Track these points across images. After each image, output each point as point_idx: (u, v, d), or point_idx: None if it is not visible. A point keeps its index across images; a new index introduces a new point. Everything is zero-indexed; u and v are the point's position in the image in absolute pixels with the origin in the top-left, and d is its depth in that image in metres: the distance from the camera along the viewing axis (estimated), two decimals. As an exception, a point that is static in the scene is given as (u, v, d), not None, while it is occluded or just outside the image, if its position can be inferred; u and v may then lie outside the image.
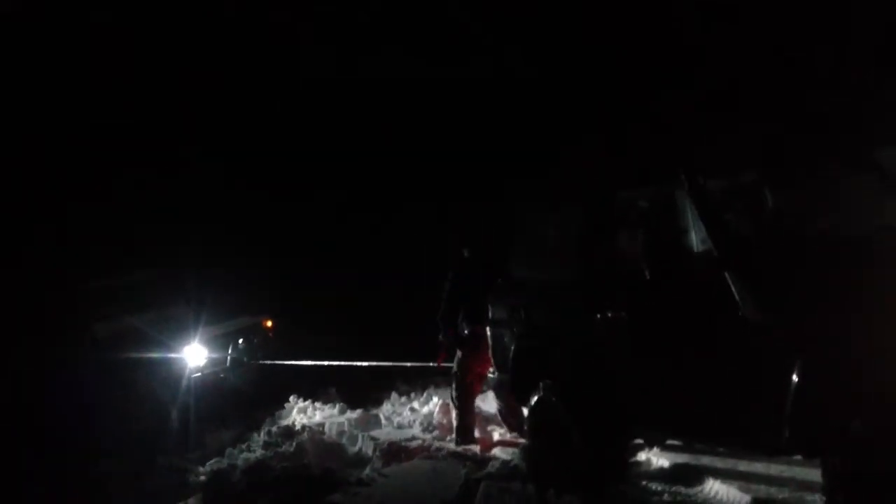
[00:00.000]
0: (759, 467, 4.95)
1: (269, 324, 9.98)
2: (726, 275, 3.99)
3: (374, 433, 7.36)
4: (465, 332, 6.76)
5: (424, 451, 6.61)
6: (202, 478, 6.54)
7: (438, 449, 6.59)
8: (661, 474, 5.22)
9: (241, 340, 9.37)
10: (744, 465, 5.01)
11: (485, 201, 11.38)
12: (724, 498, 4.64)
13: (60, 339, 8.49)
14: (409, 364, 8.42)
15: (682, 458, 5.35)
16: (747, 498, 4.54)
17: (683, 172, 4.37)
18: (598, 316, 4.83)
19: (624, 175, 5.10)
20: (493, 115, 13.56)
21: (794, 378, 3.72)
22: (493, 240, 7.03)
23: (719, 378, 4.15)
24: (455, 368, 6.87)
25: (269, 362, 9.46)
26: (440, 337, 7.02)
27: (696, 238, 4.29)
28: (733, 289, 3.96)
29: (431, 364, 7.81)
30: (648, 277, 4.45)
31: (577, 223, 5.25)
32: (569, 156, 10.59)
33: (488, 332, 6.31)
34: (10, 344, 8.70)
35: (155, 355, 8.33)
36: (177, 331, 8.58)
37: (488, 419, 7.17)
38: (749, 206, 4.57)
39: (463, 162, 13.65)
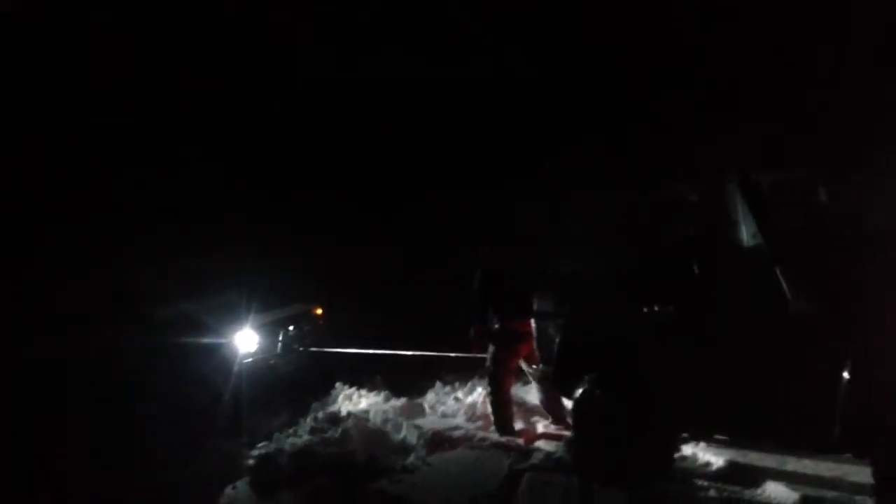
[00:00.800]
0: (807, 465, 4.90)
1: (320, 311, 10.05)
2: (777, 270, 3.95)
3: (419, 421, 7.40)
4: (496, 326, 6.78)
5: (468, 440, 6.63)
6: (250, 461, 6.63)
7: (482, 439, 6.60)
8: (706, 470, 5.17)
9: (291, 328, 9.45)
10: (792, 463, 4.96)
11: (510, 194, 11.38)
12: (772, 496, 4.59)
13: (114, 323, 8.65)
14: (452, 354, 8.45)
15: (728, 455, 5.29)
16: (795, 496, 4.49)
17: (735, 165, 4.33)
18: (646, 310, 4.81)
19: (674, 167, 5.06)
20: (535, 105, 13.49)
21: (845, 375, 3.68)
22: (520, 236, 7.04)
23: (768, 374, 4.12)
24: (488, 363, 6.90)
25: (318, 349, 9.55)
26: (470, 332, 7.06)
27: (747, 232, 4.25)
28: (784, 284, 3.92)
29: (474, 355, 7.85)
30: (697, 271, 4.42)
31: (625, 216, 5.23)
32: (618, 147, 10.50)
33: (526, 325, 6.31)
34: (64, 327, 8.92)
35: (206, 341, 8.45)
36: (228, 317, 8.67)
37: (532, 411, 7.16)
38: (801, 201, 4.52)
39: (505, 152, 13.61)
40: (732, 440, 5.31)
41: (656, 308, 4.75)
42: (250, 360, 8.64)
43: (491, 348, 6.84)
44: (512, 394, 6.99)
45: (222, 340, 8.44)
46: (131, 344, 8.18)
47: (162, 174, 13.87)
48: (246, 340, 8.63)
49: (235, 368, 8.38)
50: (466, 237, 9.28)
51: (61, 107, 13.64)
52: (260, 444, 7.11)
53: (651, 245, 4.97)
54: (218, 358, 8.36)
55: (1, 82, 12.93)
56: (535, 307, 6.14)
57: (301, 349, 9.46)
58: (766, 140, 4.98)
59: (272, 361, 9.14)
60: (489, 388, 6.86)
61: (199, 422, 7.62)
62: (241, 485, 6.22)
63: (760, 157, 4.59)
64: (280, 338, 9.26)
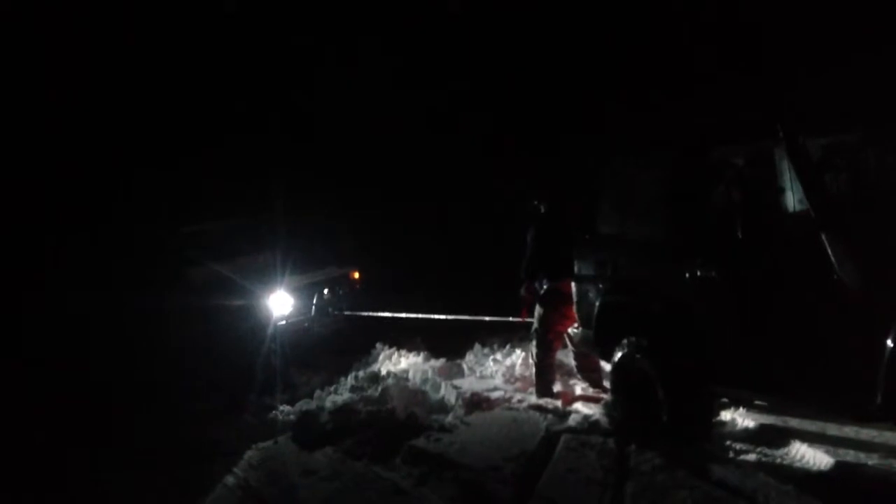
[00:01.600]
0: (848, 432, 4.87)
1: (357, 275, 10.09)
2: (823, 236, 3.90)
3: (457, 382, 7.48)
4: (545, 287, 6.77)
5: (506, 401, 6.69)
6: (291, 417, 6.78)
7: (520, 400, 6.66)
8: (745, 434, 5.16)
9: (326, 291, 9.51)
10: (833, 429, 4.94)
11: (564, 155, 11.26)
12: (810, 461, 4.59)
13: (154, 285, 8.79)
14: (488, 318, 8.49)
15: (768, 420, 5.28)
16: (833, 461, 4.49)
17: (783, 129, 4.26)
18: (688, 274, 4.79)
19: (720, 130, 4.98)
20: (580, 63, 13.30)
21: (889, 343, 3.65)
22: (571, 195, 6.98)
23: (811, 340, 4.09)
24: (535, 325, 6.89)
25: (352, 313, 9.61)
26: (521, 292, 7.05)
27: (794, 197, 4.20)
28: (829, 250, 3.88)
29: (511, 319, 7.87)
30: (741, 236, 4.38)
31: (669, 179, 5.18)
32: (662, 108, 10.35)
33: (572, 288, 6.32)
34: (106, 288, 9.12)
35: (242, 302, 8.54)
36: (263, 279, 8.75)
37: (570, 374, 7.19)
38: (850, 166, 4.44)
39: (548, 112, 13.47)
40: (772, 406, 5.29)
41: (698, 273, 4.73)
42: (284, 322, 8.74)
43: (538, 310, 6.84)
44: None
45: (256, 302, 8.54)
46: (169, 306, 8.32)
47: (198, 135, 13.99)
48: (280, 303, 8.72)
49: (270, 330, 8.48)
50: (510, 199, 9.27)
51: (103, 70, 13.85)
52: (301, 402, 7.24)
53: (694, 209, 4.92)
54: (252, 319, 8.47)
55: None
56: (575, 270, 6.14)
57: (336, 312, 9.52)
58: (815, 103, 4.87)
59: (306, 324, 9.23)
60: (535, 351, 6.86)
61: (237, 381, 7.76)
62: (283, 440, 6.35)
63: (809, 121, 4.50)
64: (314, 301, 9.33)
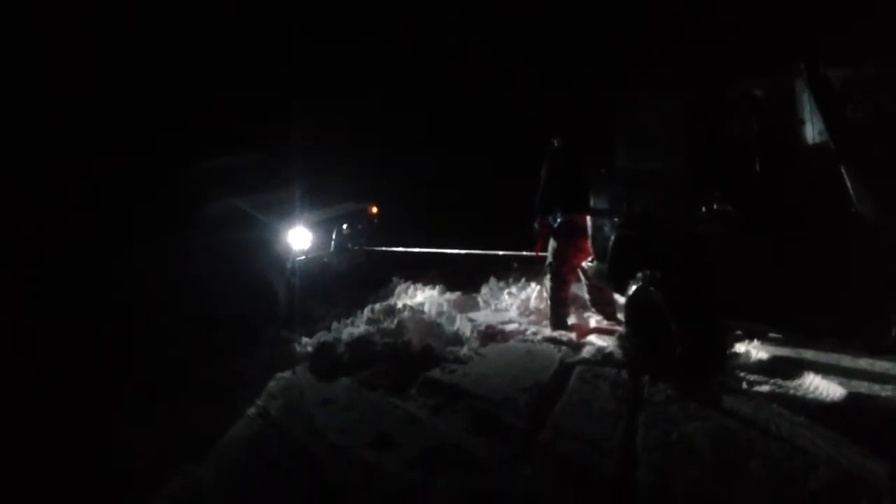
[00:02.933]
0: (862, 364, 4.91)
1: (375, 210, 10.04)
2: (842, 169, 3.86)
3: (472, 315, 7.54)
4: (559, 221, 6.76)
5: (520, 334, 6.75)
6: (309, 349, 6.87)
7: (534, 333, 6.71)
8: (759, 366, 5.21)
9: (345, 226, 9.48)
10: (847, 361, 4.98)
11: (580, 89, 11.10)
12: (824, 392, 4.63)
13: (173, 219, 8.79)
14: (501, 253, 8.49)
15: (782, 352, 5.32)
16: (846, 393, 4.53)
17: (803, 61, 4.18)
18: (704, 208, 4.76)
19: (738, 62, 4.89)
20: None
21: (907, 277, 3.64)
22: (587, 130, 6.90)
23: (827, 273, 4.08)
24: (549, 258, 6.90)
25: (371, 248, 9.61)
26: (535, 226, 7.05)
27: (813, 130, 4.13)
28: (848, 183, 3.84)
29: (526, 253, 7.88)
30: (759, 170, 4.34)
31: (686, 113, 5.11)
32: (680, 41, 10.14)
33: (588, 222, 6.31)
34: (125, 223, 9.16)
35: (261, 237, 8.53)
36: (281, 214, 8.73)
37: (585, 307, 7.23)
38: (871, 98, 4.35)
39: (567, 47, 13.25)
40: (786, 338, 5.32)
41: (715, 206, 4.70)
42: (303, 257, 8.76)
43: (552, 243, 6.84)
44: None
45: (275, 237, 8.54)
46: (188, 241, 8.34)
47: (216, 70, 13.88)
48: (299, 238, 8.72)
49: (289, 265, 8.51)
50: (526, 134, 9.18)
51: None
52: (318, 334, 7.32)
53: (712, 142, 4.86)
54: (272, 254, 8.47)
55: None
56: (591, 204, 6.12)
57: (355, 248, 9.53)
58: (836, 33, 4.76)
59: (325, 260, 9.25)
60: (549, 284, 6.90)
61: (256, 315, 7.83)
62: (301, 370, 6.46)
63: (830, 52, 4.40)
64: (333, 236, 9.33)
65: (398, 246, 9.44)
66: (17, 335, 7.66)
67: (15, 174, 11.24)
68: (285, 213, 8.73)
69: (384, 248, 9.53)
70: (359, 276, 9.37)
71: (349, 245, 9.49)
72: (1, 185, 10.92)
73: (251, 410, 5.62)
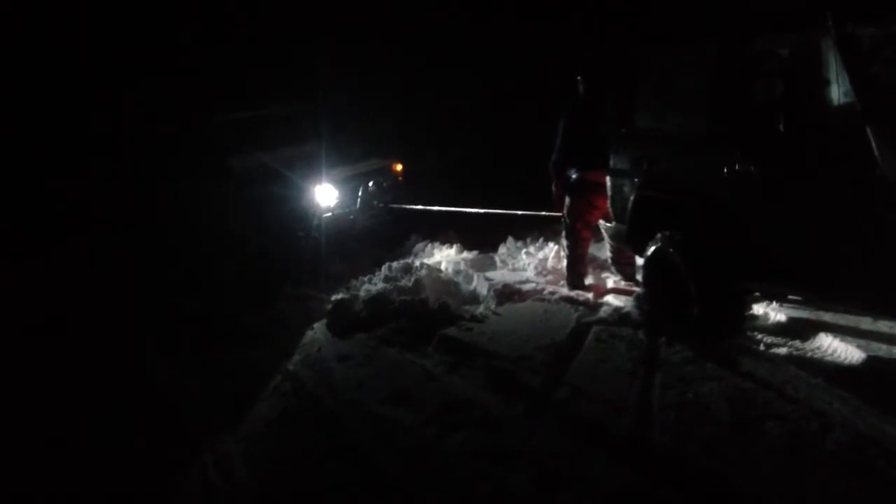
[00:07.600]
0: (881, 326, 4.88)
1: (399, 167, 9.97)
2: (867, 129, 3.80)
3: (489, 274, 7.54)
4: (574, 178, 6.70)
5: (537, 293, 6.74)
6: (327, 306, 6.91)
7: (552, 293, 6.70)
8: (777, 328, 5.19)
9: (370, 183, 9.43)
10: (866, 324, 4.95)
11: (604, 43, 10.88)
12: (842, 355, 4.61)
13: (200, 173, 8.77)
14: (520, 213, 8.44)
15: (801, 314, 5.29)
16: (865, 356, 4.51)
17: (831, 18, 4.08)
18: (726, 169, 4.71)
19: (763, 19, 4.78)
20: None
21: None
22: (608, 83, 6.75)
23: (848, 236, 4.04)
24: (564, 216, 6.86)
25: (396, 206, 9.57)
26: (553, 188, 6.99)
27: (839, 89, 4.05)
28: (873, 144, 3.78)
29: (545, 213, 7.83)
30: (783, 130, 4.28)
31: (710, 70, 5.02)
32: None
33: (603, 179, 6.24)
34: (154, 177, 9.17)
35: (286, 193, 8.50)
36: (308, 170, 8.69)
37: (603, 267, 7.20)
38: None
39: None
40: (805, 300, 5.29)
41: (737, 167, 4.64)
42: (329, 213, 8.73)
43: (567, 200, 6.80)
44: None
45: (302, 193, 8.52)
46: (213, 194, 8.34)
47: (241, 21, 13.72)
48: (325, 194, 8.69)
49: (315, 221, 8.50)
50: (545, 93, 9.05)
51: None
52: (336, 291, 7.36)
53: (735, 101, 4.78)
54: (298, 210, 8.46)
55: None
56: (610, 164, 6.06)
57: (379, 205, 9.49)
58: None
59: (351, 217, 9.22)
60: (566, 242, 6.87)
61: (278, 270, 7.87)
62: (319, 326, 6.52)
63: (858, 9, 4.29)
64: (359, 193, 9.29)
65: (419, 204, 9.40)
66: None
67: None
68: (312, 168, 8.68)
69: (408, 206, 9.48)
70: (382, 235, 9.37)
71: (375, 202, 9.46)
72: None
73: (269, 365, 5.68)
